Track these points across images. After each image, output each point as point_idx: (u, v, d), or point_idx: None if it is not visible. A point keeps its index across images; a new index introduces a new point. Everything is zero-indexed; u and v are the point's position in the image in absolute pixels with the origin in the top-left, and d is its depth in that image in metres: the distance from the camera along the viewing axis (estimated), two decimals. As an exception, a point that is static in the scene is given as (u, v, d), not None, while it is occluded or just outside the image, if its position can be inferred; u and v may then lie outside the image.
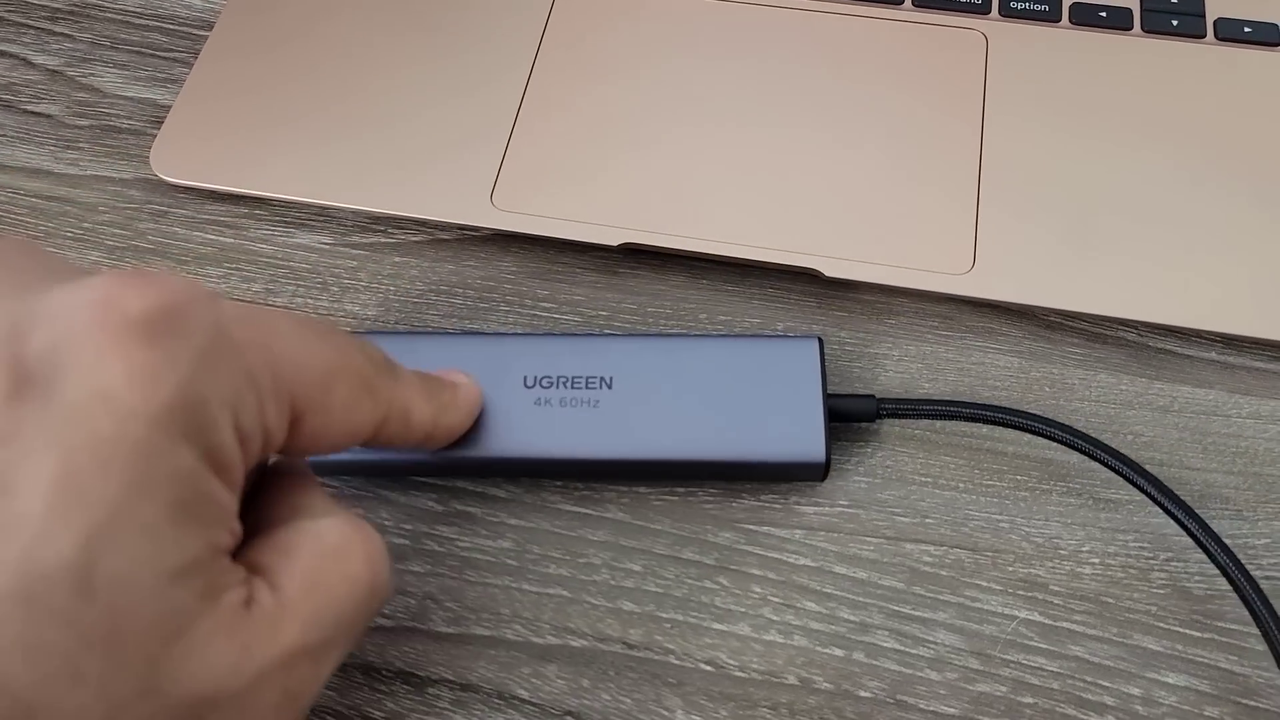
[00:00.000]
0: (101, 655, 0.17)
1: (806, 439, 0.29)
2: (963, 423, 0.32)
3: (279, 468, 0.24)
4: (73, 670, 0.17)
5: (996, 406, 0.30)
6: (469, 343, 0.30)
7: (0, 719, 0.17)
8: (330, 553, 0.21)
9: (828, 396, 0.30)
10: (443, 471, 0.31)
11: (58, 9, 0.41)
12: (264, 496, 0.23)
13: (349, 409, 0.23)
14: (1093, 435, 0.30)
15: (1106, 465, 0.29)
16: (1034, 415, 0.30)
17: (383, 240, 0.36)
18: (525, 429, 0.29)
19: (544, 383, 0.29)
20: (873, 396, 0.30)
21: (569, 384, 0.29)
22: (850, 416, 0.30)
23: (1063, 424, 0.29)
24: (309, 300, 0.34)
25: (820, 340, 0.30)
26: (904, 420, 0.32)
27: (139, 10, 0.41)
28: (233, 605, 0.19)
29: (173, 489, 0.18)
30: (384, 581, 0.22)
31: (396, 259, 0.35)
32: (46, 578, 0.17)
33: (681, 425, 0.29)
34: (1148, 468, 0.31)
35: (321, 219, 0.36)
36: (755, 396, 0.29)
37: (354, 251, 0.35)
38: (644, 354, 0.30)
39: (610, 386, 0.29)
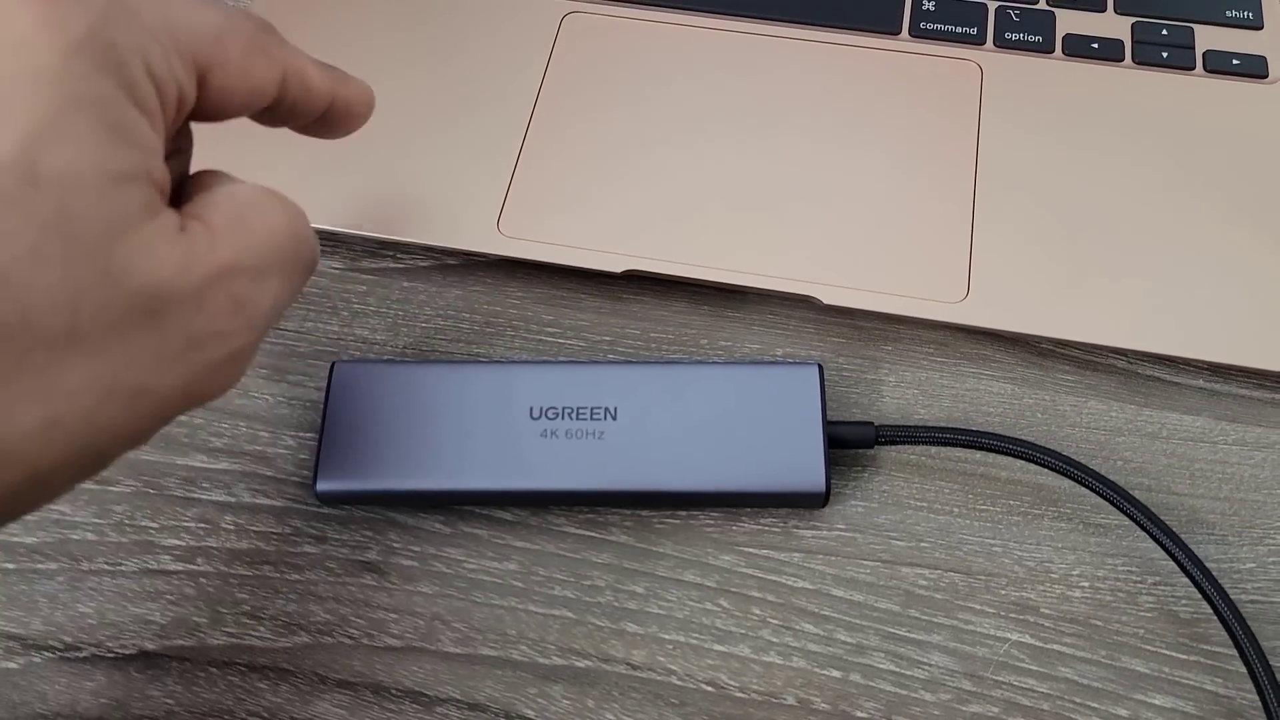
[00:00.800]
0: (59, 240, 0.19)
1: (807, 468, 0.30)
2: (958, 449, 0.32)
3: (198, 174, 0.26)
4: (35, 252, 0.19)
5: (990, 434, 0.31)
6: (474, 371, 0.31)
7: None
8: (248, 201, 0.23)
9: (828, 424, 0.30)
10: (453, 501, 0.31)
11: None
12: (185, 188, 0.25)
13: (247, 66, 0.24)
14: (1082, 461, 0.31)
15: (1097, 492, 0.30)
16: (1028, 442, 0.30)
17: (392, 265, 0.36)
18: (533, 461, 0.30)
19: (549, 414, 0.30)
20: (871, 424, 0.31)
21: (574, 415, 0.30)
22: (849, 443, 0.31)
23: (1053, 451, 0.30)
24: (319, 324, 0.35)
25: (820, 367, 0.31)
26: (901, 446, 0.32)
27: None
28: (172, 224, 0.21)
29: (98, 110, 0.20)
30: (305, 231, 0.24)
31: (405, 284, 0.36)
32: None
33: (685, 456, 0.30)
34: (1136, 493, 0.32)
35: (332, 244, 0.37)
36: (757, 425, 0.30)
37: (363, 276, 0.36)
38: (647, 383, 0.31)
39: (615, 417, 0.30)
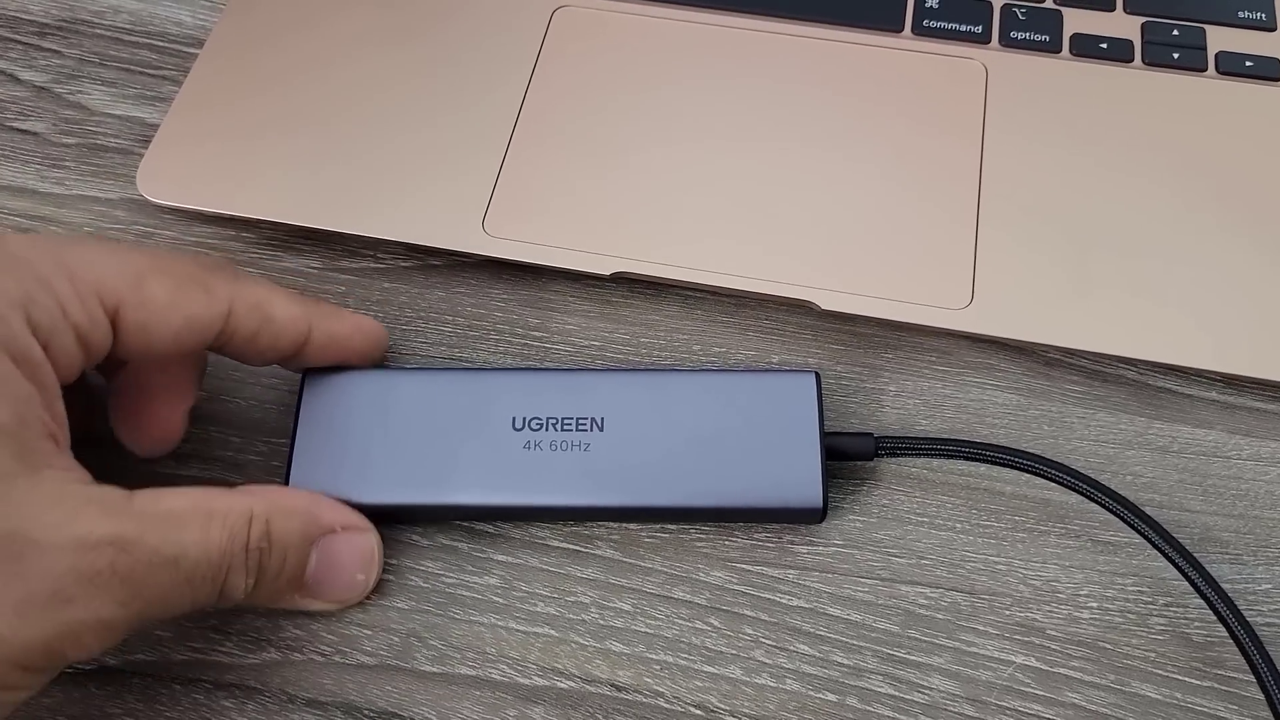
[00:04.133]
0: None
1: (803, 483, 0.28)
2: (962, 462, 0.31)
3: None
4: None
5: (996, 446, 0.29)
6: (453, 379, 0.30)
7: None
8: (202, 509, 0.24)
9: (825, 435, 0.29)
10: (430, 517, 0.30)
11: (46, 24, 0.40)
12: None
13: (175, 301, 0.25)
14: (1092, 476, 0.29)
15: (1106, 508, 0.28)
16: (1034, 455, 0.29)
17: (372, 265, 0.35)
18: (515, 475, 0.28)
19: (533, 424, 0.29)
20: (870, 435, 0.30)
21: (559, 425, 0.29)
22: (848, 455, 0.30)
23: (1062, 465, 0.29)
24: (296, 326, 0.34)
25: (817, 375, 0.30)
26: (901, 459, 0.31)
27: (129, 27, 0.40)
28: (62, 473, 0.23)
29: None
30: (234, 573, 0.25)
31: (386, 284, 0.34)
32: None
33: (674, 470, 0.28)
34: (1147, 509, 0.30)
35: (310, 243, 0.35)
36: (750, 436, 0.28)
37: (342, 276, 0.35)
38: (635, 391, 0.29)
39: (601, 428, 0.29)
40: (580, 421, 0.29)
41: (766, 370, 0.31)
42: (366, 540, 0.28)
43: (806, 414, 0.29)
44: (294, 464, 0.29)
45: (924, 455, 0.30)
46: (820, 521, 0.29)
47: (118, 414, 0.29)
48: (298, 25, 0.38)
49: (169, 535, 0.23)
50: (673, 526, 0.30)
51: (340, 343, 0.29)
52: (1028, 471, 0.29)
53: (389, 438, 0.29)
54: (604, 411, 0.29)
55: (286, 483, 0.28)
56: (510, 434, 0.28)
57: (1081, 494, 0.29)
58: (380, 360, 0.31)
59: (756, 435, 0.28)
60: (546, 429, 0.29)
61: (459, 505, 0.29)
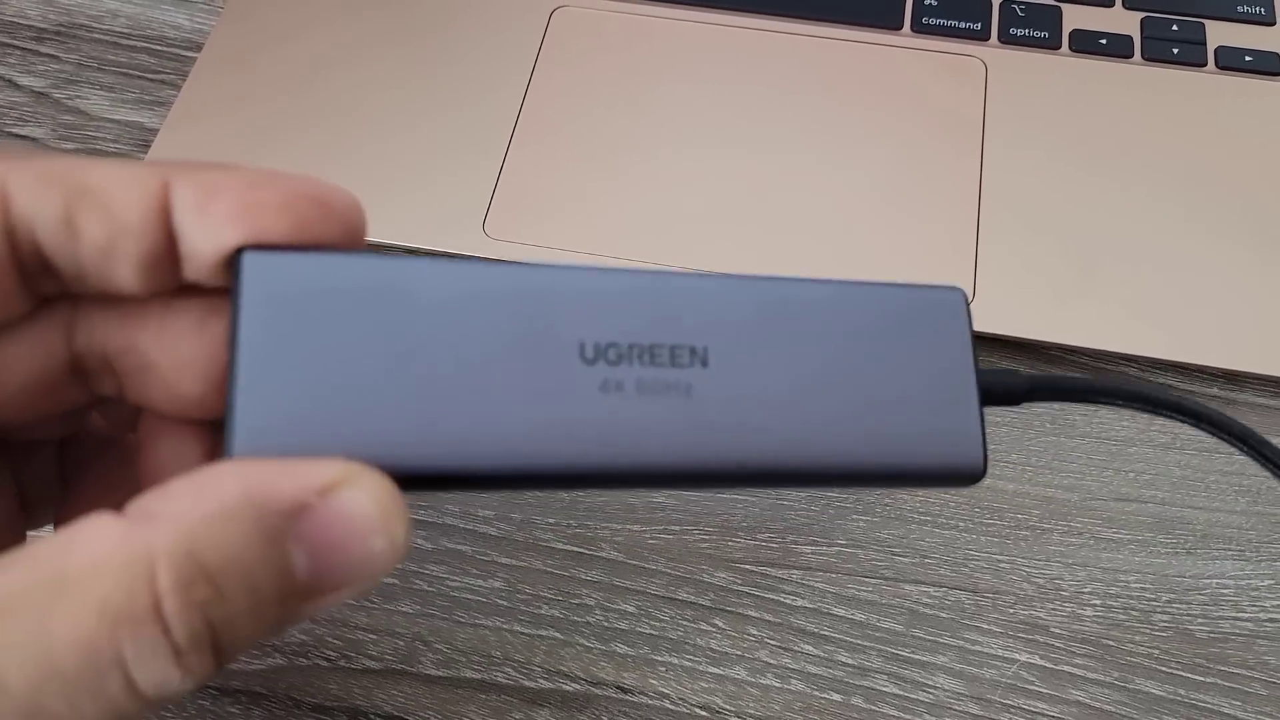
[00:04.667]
0: None
1: (959, 436, 0.22)
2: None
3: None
4: None
5: (1162, 392, 0.24)
6: (490, 275, 0.20)
7: None
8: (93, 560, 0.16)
9: (980, 373, 0.22)
10: (460, 485, 0.20)
11: (44, 29, 0.40)
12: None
13: None
14: (1094, 473, 0.29)
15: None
16: (1205, 408, 0.24)
17: (373, 269, 0.35)
18: (592, 430, 0.20)
19: (610, 355, 0.20)
20: (1017, 371, 0.23)
21: (647, 357, 0.20)
22: (991, 399, 0.23)
23: (1233, 419, 0.25)
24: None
25: (964, 294, 0.22)
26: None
27: (127, 31, 0.40)
28: None
29: None
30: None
31: (387, 288, 0.34)
32: None
33: (803, 422, 0.21)
34: (1149, 506, 0.30)
35: (311, 246, 0.35)
36: (890, 373, 0.22)
37: (344, 280, 0.35)
38: (743, 308, 0.21)
39: (705, 363, 0.20)
40: (676, 352, 0.20)
41: (901, 285, 0.22)
42: (363, 496, 0.17)
43: (956, 345, 0.22)
44: (237, 415, 0.18)
45: (1079, 400, 0.25)
46: (975, 483, 0.22)
47: None
48: (295, 28, 0.38)
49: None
50: (675, 526, 0.30)
51: (239, 211, 0.18)
52: (1191, 424, 0.25)
53: (394, 364, 0.19)
54: (706, 338, 0.21)
55: (228, 452, 0.17)
56: (580, 369, 0.20)
57: (1253, 458, 0.25)
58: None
59: (897, 372, 0.22)
60: (630, 362, 0.20)
61: (513, 473, 0.19)
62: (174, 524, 0.16)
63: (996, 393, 0.23)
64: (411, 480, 0.19)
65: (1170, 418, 0.24)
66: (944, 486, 0.24)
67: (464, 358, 0.19)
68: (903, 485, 0.25)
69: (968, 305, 0.22)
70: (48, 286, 0.19)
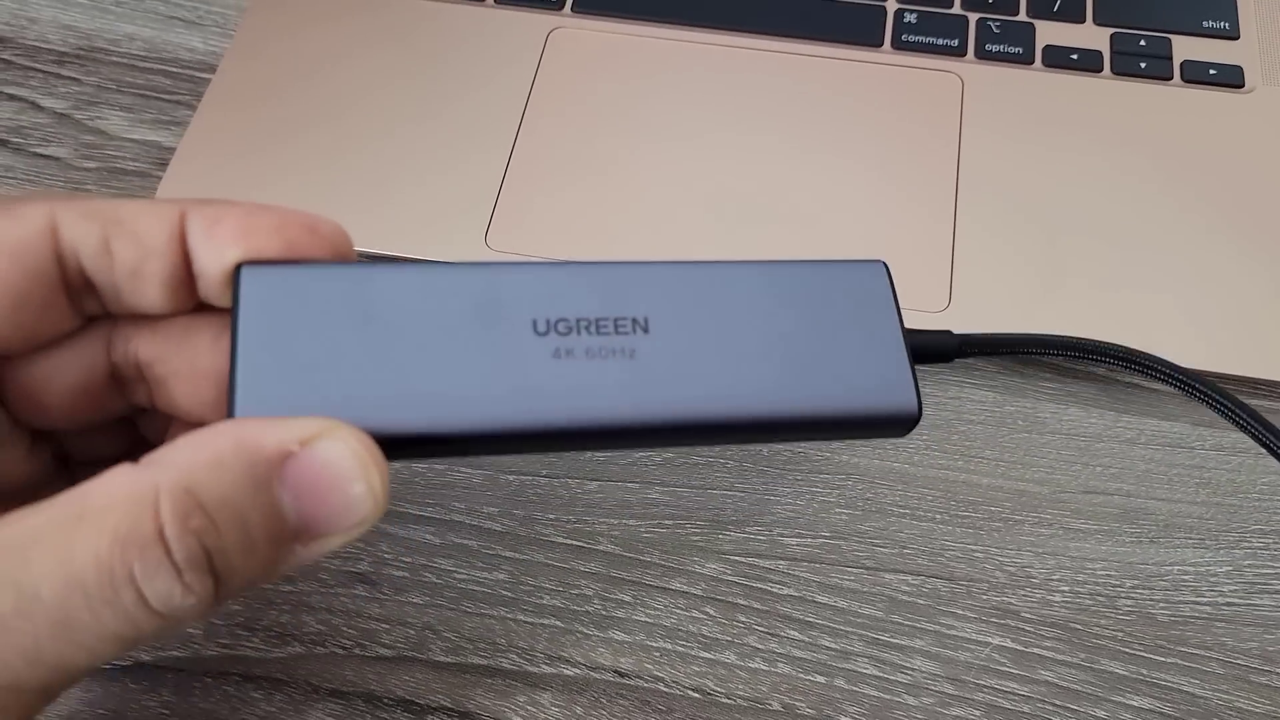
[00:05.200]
0: None
1: (892, 384, 0.23)
2: (940, 451, 0.33)
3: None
4: None
5: (1084, 339, 0.27)
6: (449, 274, 0.23)
7: None
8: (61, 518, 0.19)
9: (906, 332, 0.24)
10: (436, 450, 0.24)
11: (65, 53, 0.42)
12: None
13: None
14: (1063, 468, 0.31)
15: (1199, 395, 0.27)
16: (1128, 349, 0.27)
17: (381, 279, 0.37)
18: (547, 390, 0.22)
19: (560, 327, 0.22)
20: (949, 332, 0.26)
21: (593, 328, 0.22)
22: (924, 356, 0.26)
23: (1155, 357, 0.27)
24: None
25: (886, 265, 0.25)
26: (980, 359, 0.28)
27: (143, 54, 0.42)
28: None
29: None
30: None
31: (395, 298, 0.36)
32: None
33: (741, 377, 0.23)
34: (1115, 498, 0.32)
35: (322, 259, 0.37)
36: (821, 333, 0.24)
37: (354, 290, 0.37)
38: (680, 287, 0.24)
39: (646, 330, 0.23)
40: (620, 322, 0.23)
41: (828, 261, 0.25)
42: (339, 444, 0.20)
43: (881, 307, 0.24)
44: (237, 389, 0.21)
45: (1007, 354, 0.27)
46: (912, 429, 0.24)
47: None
48: (304, 50, 0.40)
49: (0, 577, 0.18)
50: (669, 520, 0.32)
51: (238, 234, 0.21)
52: (1119, 365, 0.27)
53: (370, 349, 0.22)
54: (646, 311, 0.23)
55: (230, 415, 0.21)
56: (533, 340, 0.22)
57: (1172, 384, 0.27)
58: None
59: (827, 332, 0.24)
60: (578, 333, 0.22)
61: (479, 432, 0.22)
62: (175, 465, 0.19)
63: (929, 350, 0.25)
64: (391, 443, 0.21)
65: (1100, 362, 0.27)
66: (884, 433, 0.25)
67: (430, 338, 0.22)
68: (843, 433, 0.26)
69: (889, 273, 0.25)
70: (90, 305, 0.22)
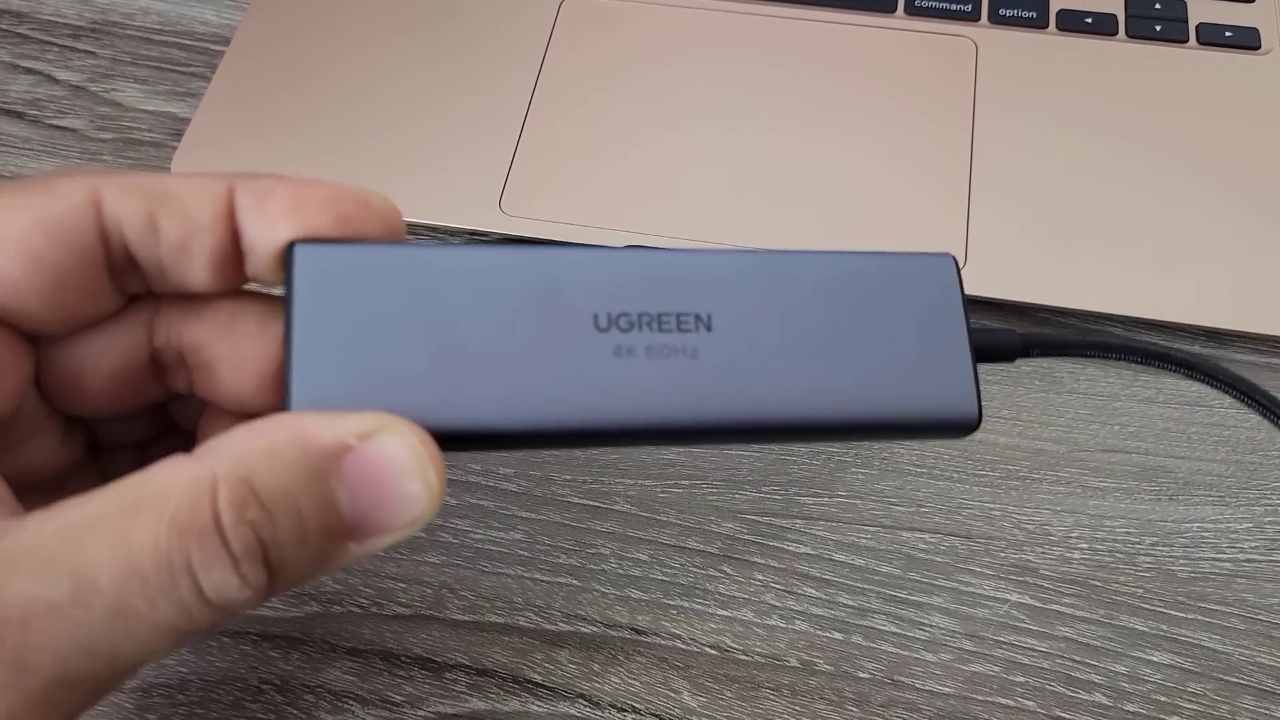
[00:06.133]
0: None
1: (955, 390, 0.23)
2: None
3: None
4: None
5: (1150, 344, 0.26)
6: (509, 258, 0.22)
7: None
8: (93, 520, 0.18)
9: (971, 332, 0.24)
10: (493, 444, 0.23)
11: (80, 27, 0.42)
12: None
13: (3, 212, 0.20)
14: (1080, 427, 0.31)
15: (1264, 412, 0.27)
16: (1196, 356, 0.26)
17: (396, 246, 0.37)
18: (607, 391, 0.22)
19: (622, 323, 0.22)
20: (1014, 331, 0.25)
21: (655, 325, 0.22)
22: (986, 356, 0.25)
23: (1214, 363, 0.27)
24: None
25: (955, 259, 0.24)
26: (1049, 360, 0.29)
27: (158, 28, 0.42)
28: None
29: None
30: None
31: (409, 264, 0.36)
32: None
33: (803, 378, 0.23)
34: (1134, 457, 0.32)
35: (337, 226, 0.37)
36: (886, 334, 0.23)
37: (368, 257, 0.37)
38: (743, 279, 0.23)
39: (709, 327, 0.22)
40: (682, 319, 0.22)
41: (894, 253, 0.24)
42: (397, 441, 0.19)
43: (948, 306, 0.24)
44: (293, 378, 0.20)
45: (1072, 355, 0.27)
46: (970, 433, 0.24)
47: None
48: (317, 21, 0.40)
49: (56, 567, 0.17)
50: (685, 481, 0.32)
51: (290, 208, 0.20)
52: (1182, 374, 0.26)
53: (430, 338, 0.21)
54: (709, 306, 0.23)
55: (285, 407, 0.20)
56: (594, 336, 0.22)
57: (1236, 398, 0.27)
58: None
59: (892, 331, 0.23)
60: (640, 329, 0.22)
61: (538, 431, 0.21)
62: (232, 456, 0.18)
63: (992, 350, 0.25)
64: (447, 438, 0.21)
65: (1163, 369, 0.26)
66: (941, 436, 0.25)
67: (489, 330, 0.21)
68: (901, 436, 0.25)
69: (958, 269, 0.24)
70: (133, 285, 0.21)
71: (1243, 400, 0.27)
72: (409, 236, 0.37)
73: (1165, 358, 0.26)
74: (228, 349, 0.22)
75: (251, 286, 0.22)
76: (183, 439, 0.25)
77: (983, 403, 0.23)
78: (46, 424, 0.22)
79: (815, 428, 0.23)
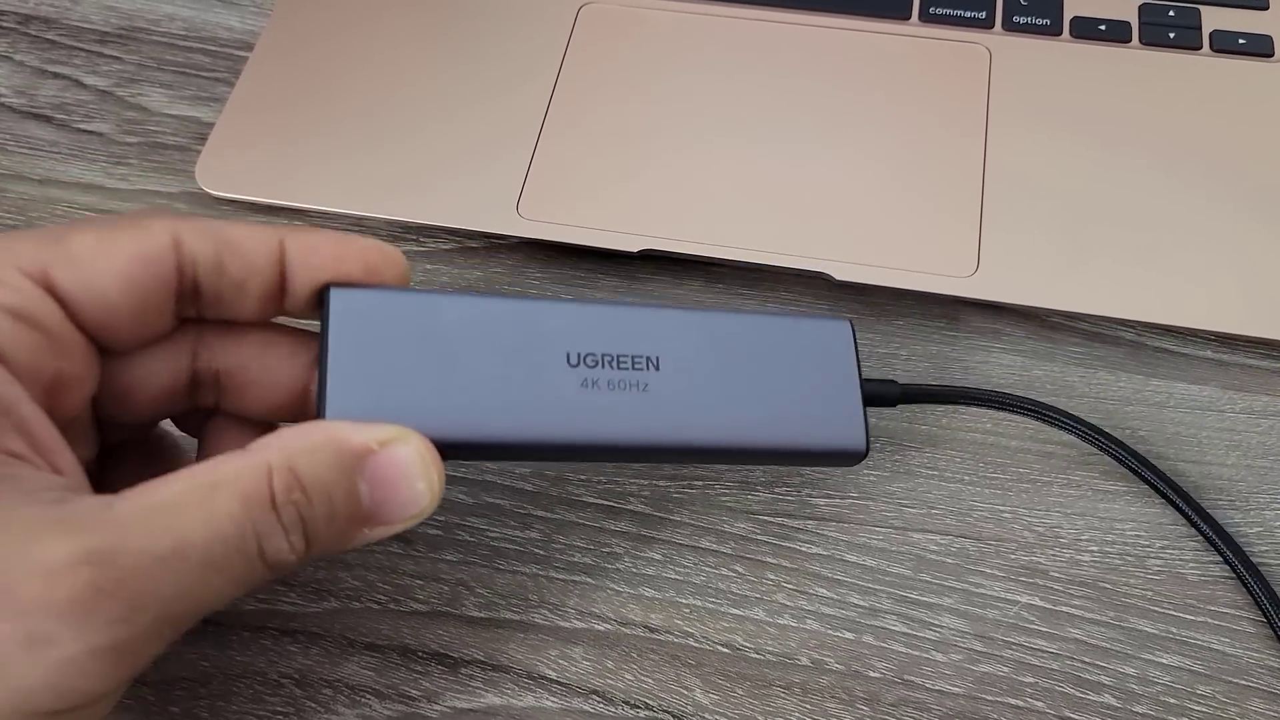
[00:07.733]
0: None
1: (848, 426, 0.29)
2: (969, 415, 0.33)
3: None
4: None
5: (1005, 394, 0.31)
6: (502, 306, 0.27)
7: None
8: (177, 497, 0.22)
9: (864, 382, 0.30)
10: (485, 455, 0.29)
11: (107, 33, 0.43)
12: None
13: (104, 243, 0.24)
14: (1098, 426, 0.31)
15: (1108, 452, 0.31)
16: (1040, 403, 0.31)
17: (415, 249, 0.37)
18: (575, 413, 0.27)
19: (589, 361, 0.27)
20: (894, 381, 0.31)
21: (615, 363, 0.28)
22: (872, 401, 0.31)
23: (1067, 413, 0.31)
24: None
25: (852, 324, 0.30)
26: (917, 407, 0.33)
27: (183, 33, 0.43)
28: (16, 501, 0.21)
29: None
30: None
31: (428, 266, 0.37)
32: None
33: (730, 412, 0.28)
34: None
35: (357, 228, 0.38)
36: (796, 380, 0.29)
37: (388, 260, 0.37)
38: (686, 331, 0.29)
39: (658, 367, 0.28)
40: (636, 360, 0.28)
41: (804, 316, 0.31)
42: (410, 449, 0.24)
43: (846, 360, 0.30)
44: (329, 394, 0.25)
45: (940, 402, 0.32)
46: (859, 462, 0.30)
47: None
48: (339, 27, 0.41)
49: (160, 529, 0.21)
50: (699, 482, 0.32)
51: (330, 260, 0.26)
52: (1035, 418, 0.31)
53: (436, 367, 0.26)
54: (659, 351, 0.28)
55: (321, 416, 0.25)
56: (566, 370, 0.27)
57: (1086, 440, 0.31)
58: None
59: (801, 378, 0.29)
60: (603, 366, 0.27)
61: (518, 443, 0.27)
62: (282, 449, 0.23)
63: (877, 396, 0.31)
64: (447, 448, 0.26)
65: (1019, 413, 0.32)
66: (836, 464, 0.31)
67: (484, 361, 0.27)
68: (804, 462, 0.31)
69: (854, 331, 0.30)
70: (188, 310, 0.26)
71: (1098, 446, 0.31)
72: (429, 240, 0.37)
73: (1017, 405, 0.32)
74: (262, 372, 0.27)
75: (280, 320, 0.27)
76: (138, 445, 0.29)
77: (870, 437, 0.29)
78: (88, 431, 0.26)
79: (736, 452, 0.29)
